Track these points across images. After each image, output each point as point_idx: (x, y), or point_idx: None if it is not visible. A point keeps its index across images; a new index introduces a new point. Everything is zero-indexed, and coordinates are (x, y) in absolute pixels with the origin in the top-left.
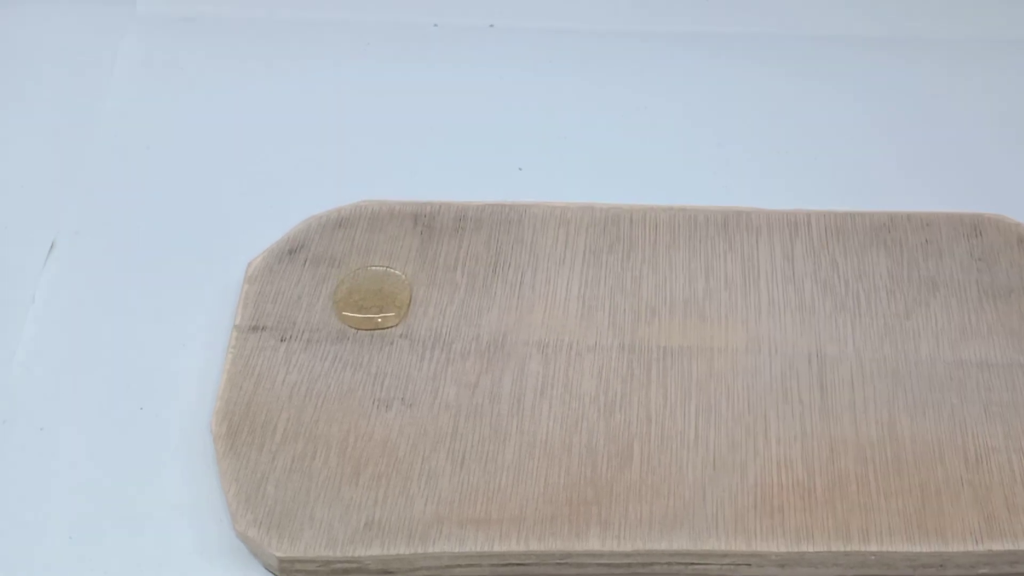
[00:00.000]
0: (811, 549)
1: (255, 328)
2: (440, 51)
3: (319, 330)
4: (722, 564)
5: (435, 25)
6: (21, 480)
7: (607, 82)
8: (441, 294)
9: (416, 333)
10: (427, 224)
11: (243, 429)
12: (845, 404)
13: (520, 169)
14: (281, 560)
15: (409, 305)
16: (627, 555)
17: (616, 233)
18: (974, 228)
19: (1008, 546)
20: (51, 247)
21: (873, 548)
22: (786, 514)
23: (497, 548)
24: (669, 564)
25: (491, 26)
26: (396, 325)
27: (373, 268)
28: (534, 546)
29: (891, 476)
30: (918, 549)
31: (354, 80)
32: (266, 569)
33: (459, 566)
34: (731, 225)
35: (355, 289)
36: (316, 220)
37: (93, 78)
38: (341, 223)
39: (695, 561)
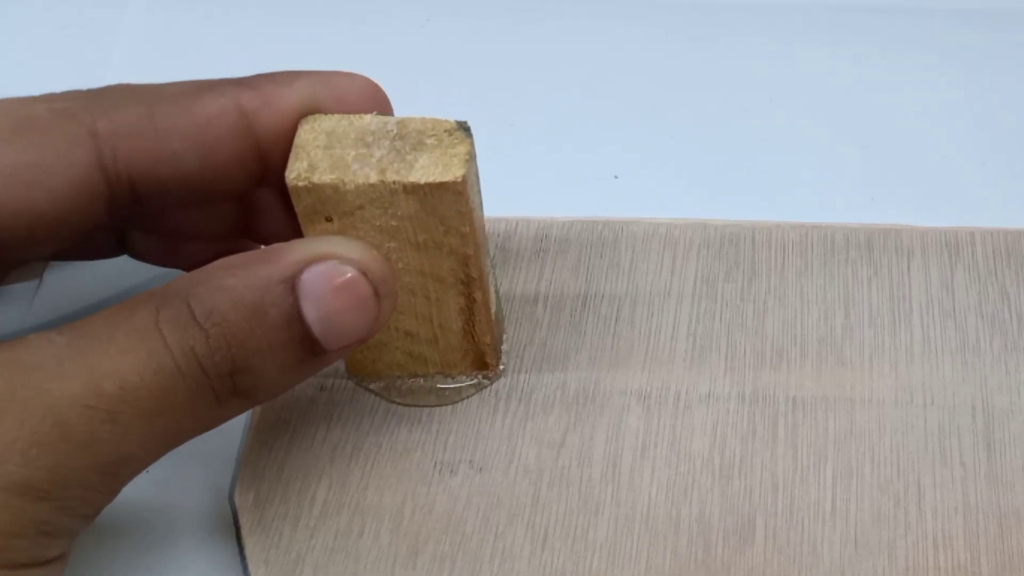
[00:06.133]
0: None
1: None
2: (513, 29)
3: None
4: None
5: None
6: None
7: (722, 67)
8: (518, 332)
9: (487, 381)
10: (500, 245)
11: (274, 499)
12: (1018, 468)
13: (616, 177)
14: None
15: None
16: None
17: (735, 256)
18: None
19: None
20: (45, 266)
21: None
22: None
23: None
24: None
25: None
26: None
27: None
28: None
29: None
30: None
31: (407, 64)
32: None
33: None
34: (877, 246)
35: None
36: None
37: (94, 55)
38: None
39: None
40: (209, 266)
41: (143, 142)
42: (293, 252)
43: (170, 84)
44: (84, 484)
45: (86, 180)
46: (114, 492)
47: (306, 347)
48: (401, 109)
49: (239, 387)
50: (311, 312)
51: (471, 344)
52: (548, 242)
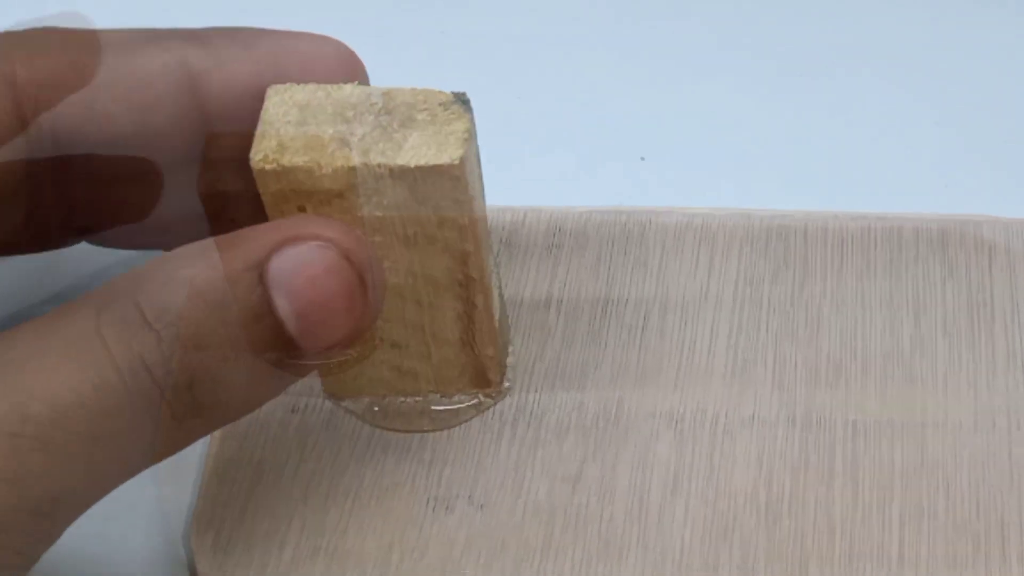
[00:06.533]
0: None
1: None
2: None
3: None
4: None
5: None
6: None
7: (767, 28)
8: (527, 343)
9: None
10: (506, 239)
11: (236, 542)
12: None
13: (643, 158)
14: None
15: None
16: None
17: (783, 253)
18: None
19: None
20: None
21: None
22: None
23: None
24: None
25: None
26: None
27: None
28: None
29: None
30: None
31: (393, 27)
32: None
33: None
34: (952, 241)
35: None
36: None
37: None
38: None
39: None
40: (160, 257)
41: (69, 96)
42: (260, 235)
43: (107, 31)
44: (11, 529)
45: (1, 136)
46: (51, 537)
47: (279, 348)
48: (387, 79)
49: (199, 402)
50: (284, 305)
51: (470, 357)
52: (562, 236)
